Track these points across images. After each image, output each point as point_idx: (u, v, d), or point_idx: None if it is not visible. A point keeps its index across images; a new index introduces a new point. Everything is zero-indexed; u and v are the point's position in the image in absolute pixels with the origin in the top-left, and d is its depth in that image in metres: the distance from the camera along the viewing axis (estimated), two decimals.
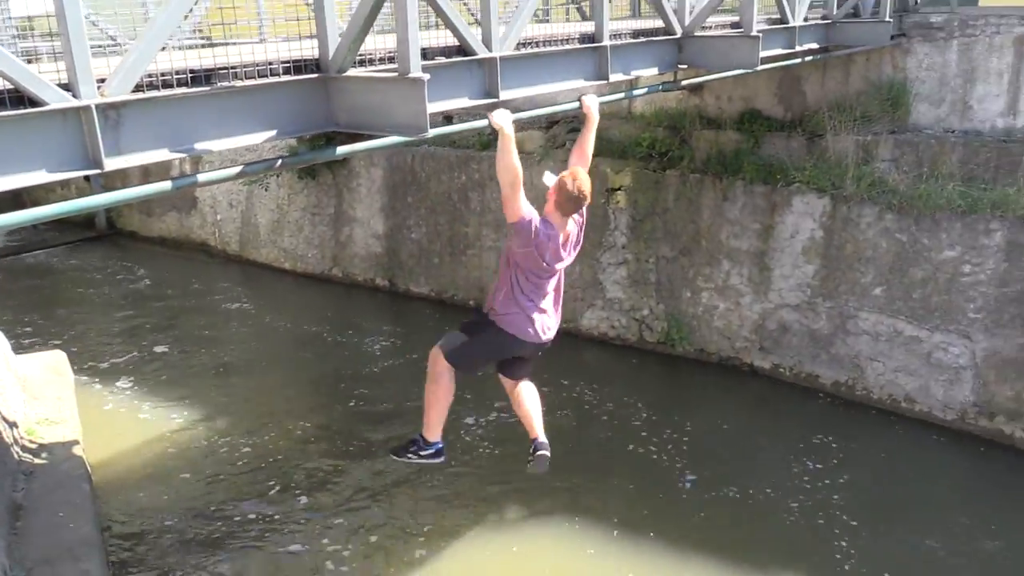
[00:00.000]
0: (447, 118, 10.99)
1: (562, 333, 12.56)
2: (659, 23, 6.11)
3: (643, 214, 11.50)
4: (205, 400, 10.37)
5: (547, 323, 5.01)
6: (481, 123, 4.71)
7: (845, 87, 10.67)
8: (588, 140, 5.11)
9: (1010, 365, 9.10)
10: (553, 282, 4.97)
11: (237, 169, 3.75)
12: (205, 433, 9.58)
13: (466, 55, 4.51)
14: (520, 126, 12.67)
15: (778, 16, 7.53)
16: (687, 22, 6.12)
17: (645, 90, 6.29)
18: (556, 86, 5.30)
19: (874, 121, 10.33)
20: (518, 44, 4.90)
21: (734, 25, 6.83)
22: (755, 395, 10.52)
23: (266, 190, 14.98)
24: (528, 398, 5.24)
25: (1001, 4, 11.72)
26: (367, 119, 3.88)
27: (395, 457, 5.43)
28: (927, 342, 9.58)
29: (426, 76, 3.63)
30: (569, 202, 4.72)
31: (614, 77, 5.61)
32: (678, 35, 6.12)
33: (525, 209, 4.60)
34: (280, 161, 4.01)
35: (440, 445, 5.28)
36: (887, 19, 8.40)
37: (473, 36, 4.50)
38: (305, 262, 14.97)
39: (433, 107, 4.12)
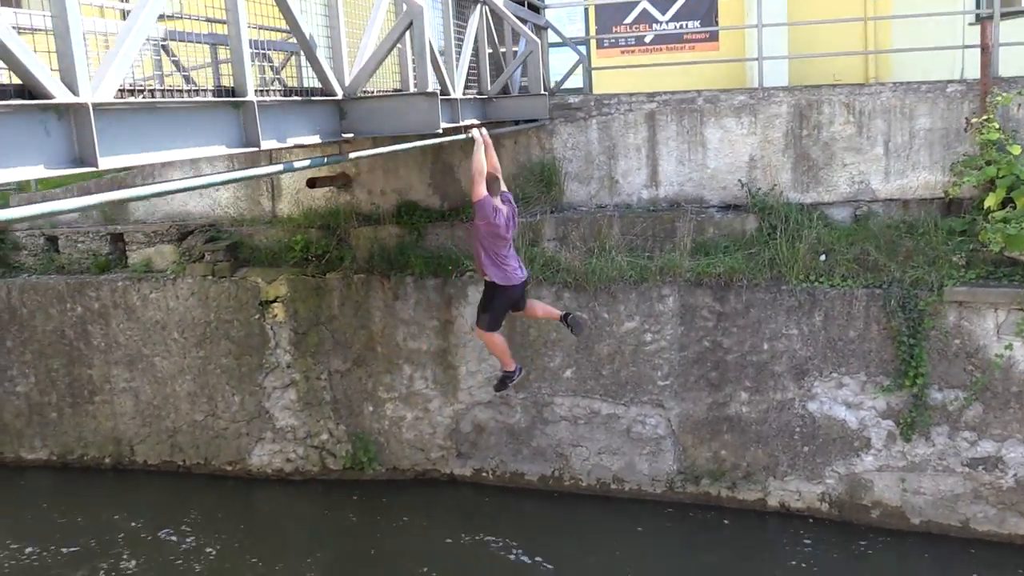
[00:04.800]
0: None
1: (231, 477, 10.37)
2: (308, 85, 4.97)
3: (306, 325, 10.10)
4: None
5: (518, 269, 7.27)
6: None
7: None
8: (492, 154, 7.13)
9: (703, 427, 9.04)
10: (509, 246, 7.18)
11: None
12: None
13: (35, 98, 2.98)
14: (148, 240, 10.77)
15: (439, 87, 6.78)
16: (348, 80, 5.03)
17: (308, 162, 5.00)
18: (184, 152, 3.86)
19: (533, 202, 10.09)
20: (122, 90, 3.45)
21: (396, 91, 5.90)
22: (457, 507, 9.45)
23: None
24: (537, 308, 7.79)
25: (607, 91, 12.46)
26: None
27: (499, 391, 8.05)
28: (625, 418, 9.26)
29: None
30: (492, 183, 6.94)
31: (266, 144, 4.30)
32: (339, 96, 5.01)
33: (484, 192, 6.78)
34: None
35: (519, 367, 7.69)
36: (542, 92, 8.08)
37: (47, 71, 2.99)
38: None
39: None
